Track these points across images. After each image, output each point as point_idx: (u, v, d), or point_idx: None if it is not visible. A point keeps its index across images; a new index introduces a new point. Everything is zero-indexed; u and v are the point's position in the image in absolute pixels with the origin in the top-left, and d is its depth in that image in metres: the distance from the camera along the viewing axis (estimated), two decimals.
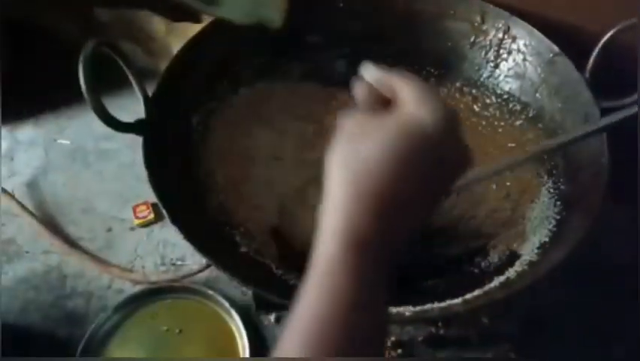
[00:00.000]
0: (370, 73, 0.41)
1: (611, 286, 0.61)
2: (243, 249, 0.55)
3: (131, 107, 0.58)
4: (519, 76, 0.63)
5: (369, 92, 0.39)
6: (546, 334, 0.60)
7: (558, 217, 0.54)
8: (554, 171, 0.58)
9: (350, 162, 0.34)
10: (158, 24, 0.75)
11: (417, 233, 0.36)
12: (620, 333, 0.59)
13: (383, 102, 0.39)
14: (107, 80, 0.53)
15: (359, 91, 0.40)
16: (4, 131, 0.77)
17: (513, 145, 0.62)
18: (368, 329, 0.31)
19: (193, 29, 0.62)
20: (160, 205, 0.50)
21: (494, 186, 0.60)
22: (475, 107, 0.66)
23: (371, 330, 0.32)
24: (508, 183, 0.60)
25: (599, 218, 0.48)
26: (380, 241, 0.33)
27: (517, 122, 0.63)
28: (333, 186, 0.34)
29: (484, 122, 0.64)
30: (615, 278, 0.61)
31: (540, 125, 0.61)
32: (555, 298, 0.61)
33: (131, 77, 0.55)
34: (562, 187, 0.56)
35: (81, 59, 0.49)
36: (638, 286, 0.58)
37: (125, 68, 0.54)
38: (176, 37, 0.75)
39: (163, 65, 0.60)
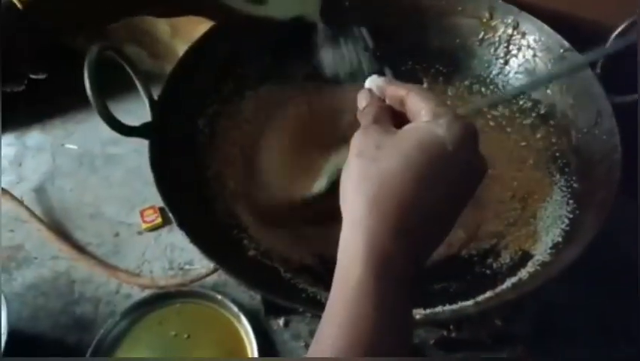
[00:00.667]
0: (377, 84, 0.40)
1: (626, 284, 0.60)
2: (251, 252, 0.54)
3: (137, 111, 0.58)
4: (529, 72, 0.62)
5: (377, 105, 0.38)
6: (560, 334, 0.59)
7: (571, 216, 0.52)
8: (567, 169, 0.57)
9: (368, 180, 0.33)
10: (162, 27, 0.75)
11: (439, 246, 0.35)
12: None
13: (392, 115, 0.38)
14: (113, 84, 0.53)
15: (365, 103, 0.39)
16: (12, 137, 0.77)
17: (524, 144, 0.61)
18: (392, 348, 0.31)
19: (198, 32, 0.62)
20: (167, 209, 0.50)
21: (500, 186, 0.59)
22: (483, 107, 0.64)
23: (395, 347, 0.31)
24: (515, 183, 0.59)
25: (615, 215, 0.46)
26: (404, 261, 0.32)
27: (528, 121, 0.62)
28: (352, 206, 0.33)
29: (492, 123, 0.63)
30: (630, 276, 0.60)
31: (552, 122, 0.60)
32: (570, 297, 0.60)
33: (136, 81, 0.55)
34: (574, 185, 0.55)
35: (86, 63, 0.49)
36: (638, 285, 0.56)
37: (130, 71, 0.54)
38: (181, 39, 0.75)
39: (168, 68, 0.59)
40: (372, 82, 0.41)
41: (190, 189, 0.57)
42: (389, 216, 0.32)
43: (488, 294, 0.48)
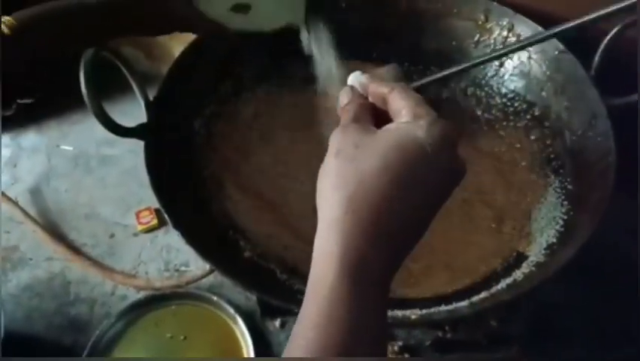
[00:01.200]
0: (360, 81, 0.39)
1: (624, 284, 0.60)
2: (247, 254, 0.54)
3: (133, 112, 0.58)
4: (524, 74, 0.63)
5: (358, 103, 0.37)
6: (555, 335, 0.59)
7: (565, 217, 0.53)
8: (561, 171, 0.57)
9: (345, 181, 0.32)
10: None
11: (413, 249, 0.34)
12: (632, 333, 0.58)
13: (373, 113, 0.37)
14: (109, 85, 0.53)
15: (346, 100, 0.38)
16: (8, 138, 0.77)
17: (518, 146, 0.61)
18: (367, 351, 0.30)
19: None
20: (162, 210, 0.50)
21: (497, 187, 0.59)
22: (477, 111, 0.65)
23: (370, 350, 0.30)
24: (512, 184, 0.59)
25: (614, 215, 0.47)
26: (379, 263, 0.31)
27: (522, 123, 0.62)
28: (328, 205, 0.32)
29: (485, 128, 0.64)
30: (629, 276, 0.60)
31: (546, 123, 0.60)
32: (567, 298, 0.60)
33: (132, 82, 0.55)
34: (569, 187, 0.55)
35: (82, 63, 0.49)
36: (637, 285, 0.57)
37: (126, 72, 0.54)
38: (178, 41, 0.74)
39: (165, 69, 0.59)
40: (354, 78, 0.39)
41: (186, 190, 0.57)
42: (364, 218, 0.31)
43: (483, 295, 0.48)
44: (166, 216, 0.49)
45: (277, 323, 0.60)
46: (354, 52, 0.66)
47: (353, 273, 0.31)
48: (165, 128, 0.56)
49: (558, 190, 0.56)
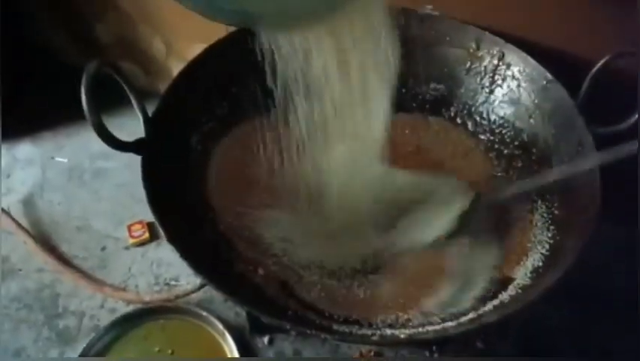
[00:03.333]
0: None
1: (610, 307, 0.61)
2: (238, 269, 0.55)
3: (129, 127, 0.58)
4: (513, 102, 0.64)
5: None
6: (546, 356, 0.59)
7: (551, 242, 0.54)
8: (548, 196, 0.58)
9: None
10: (157, 45, 0.76)
11: None
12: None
13: None
14: (107, 100, 0.53)
15: None
16: (3, 148, 0.77)
17: (503, 174, 0.63)
18: None
19: (193, 52, 0.63)
20: (158, 224, 0.50)
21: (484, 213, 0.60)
22: (465, 138, 0.66)
23: None
24: (499, 210, 0.60)
25: (597, 241, 0.47)
26: None
27: (509, 150, 0.64)
28: None
29: (473, 155, 0.65)
30: (613, 300, 0.61)
31: (534, 150, 0.62)
32: (554, 323, 0.61)
33: (132, 98, 0.56)
34: (555, 212, 0.56)
35: (84, 78, 0.49)
36: (637, 305, 0.58)
37: (126, 88, 0.55)
38: (176, 59, 0.76)
39: (162, 87, 0.60)
40: None
41: (180, 205, 0.57)
42: None
43: (470, 316, 0.49)
44: (161, 229, 0.50)
45: (266, 339, 0.60)
46: None
47: None
48: (162, 143, 0.57)
49: (545, 215, 0.57)
